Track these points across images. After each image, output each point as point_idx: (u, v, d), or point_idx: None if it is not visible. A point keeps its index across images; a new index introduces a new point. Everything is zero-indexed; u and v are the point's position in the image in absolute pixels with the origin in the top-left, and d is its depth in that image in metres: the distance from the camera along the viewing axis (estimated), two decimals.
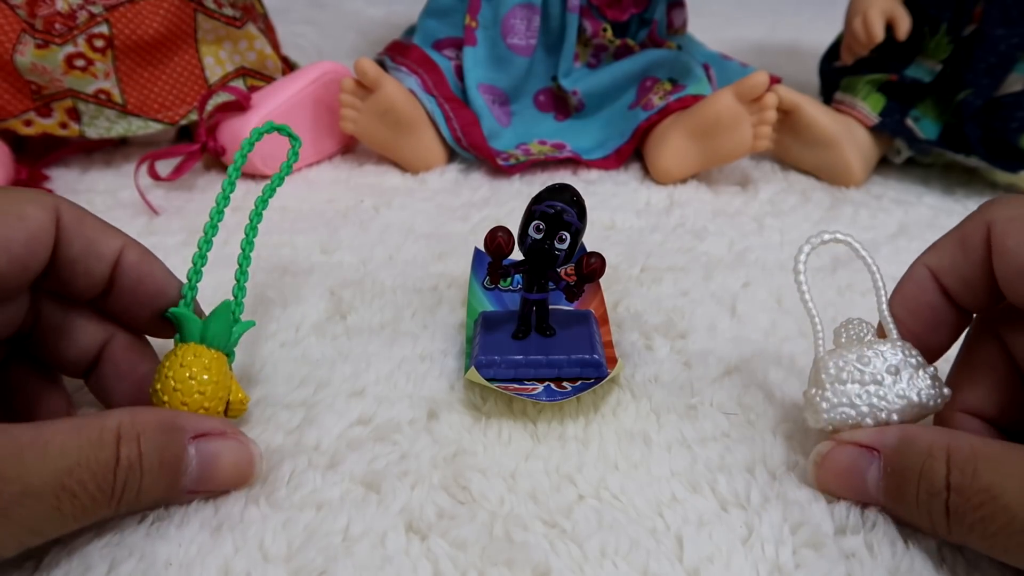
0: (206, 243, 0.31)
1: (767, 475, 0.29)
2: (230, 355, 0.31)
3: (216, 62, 0.58)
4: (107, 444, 0.22)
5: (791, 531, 0.27)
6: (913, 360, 0.28)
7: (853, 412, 0.27)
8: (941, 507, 0.23)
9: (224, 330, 0.30)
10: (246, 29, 0.59)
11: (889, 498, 0.26)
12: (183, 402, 0.28)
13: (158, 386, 0.28)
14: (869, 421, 0.27)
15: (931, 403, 0.27)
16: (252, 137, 0.34)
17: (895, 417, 0.27)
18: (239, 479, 0.27)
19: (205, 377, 0.28)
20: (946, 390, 0.28)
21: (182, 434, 0.25)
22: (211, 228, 0.32)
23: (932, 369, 0.28)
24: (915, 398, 0.27)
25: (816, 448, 0.28)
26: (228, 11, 0.57)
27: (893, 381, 0.27)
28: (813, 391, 0.28)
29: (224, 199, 0.32)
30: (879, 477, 0.26)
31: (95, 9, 0.52)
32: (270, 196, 0.34)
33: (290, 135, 0.36)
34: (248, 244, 0.33)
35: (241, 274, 0.32)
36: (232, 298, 0.31)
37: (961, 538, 0.24)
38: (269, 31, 0.64)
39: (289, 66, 0.64)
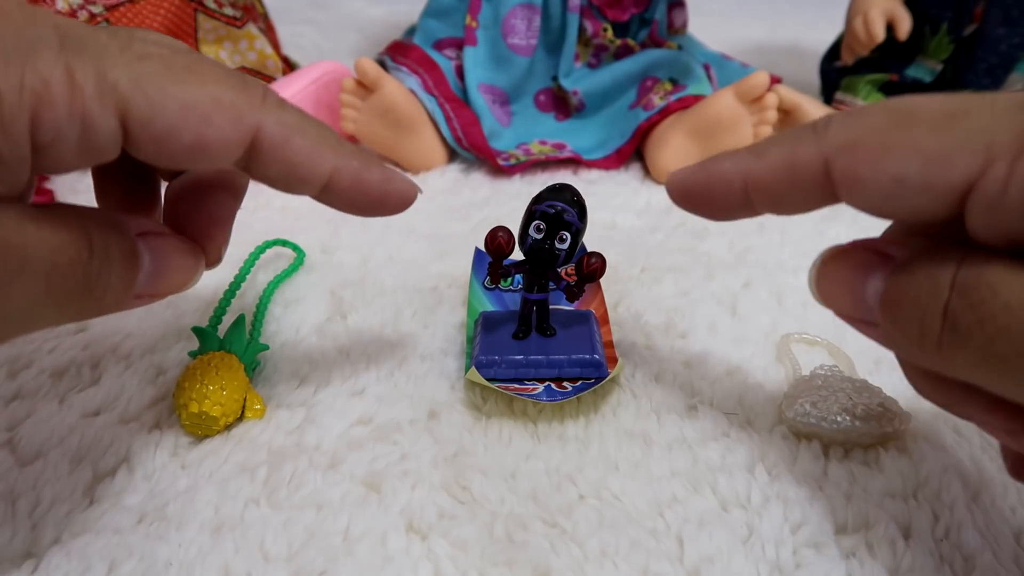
0: (231, 294, 0.37)
1: (767, 475, 0.29)
2: (252, 364, 0.34)
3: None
4: (79, 232, 0.21)
5: (791, 531, 0.27)
6: (864, 400, 0.31)
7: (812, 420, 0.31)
8: (939, 311, 0.20)
9: (240, 340, 0.33)
10: (246, 29, 0.59)
11: (886, 306, 0.22)
12: (201, 409, 0.30)
13: (176, 390, 0.31)
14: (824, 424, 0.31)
15: (880, 429, 0.31)
16: (260, 247, 0.41)
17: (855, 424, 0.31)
18: (186, 278, 0.26)
19: (223, 382, 0.31)
20: (902, 419, 0.31)
21: (128, 229, 0.23)
22: (235, 286, 0.38)
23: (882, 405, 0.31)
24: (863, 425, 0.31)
25: (821, 251, 0.25)
26: (228, 11, 0.58)
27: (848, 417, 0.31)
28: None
29: (243, 275, 0.39)
30: (882, 283, 0.22)
31: (95, 9, 0.52)
32: (275, 288, 0.41)
33: (295, 248, 0.44)
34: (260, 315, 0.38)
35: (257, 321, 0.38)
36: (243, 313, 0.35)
37: (950, 355, 0.20)
38: (269, 31, 0.64)
39: (289, 66, 0.64)
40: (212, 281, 0.41)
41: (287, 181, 0.23)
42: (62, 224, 0.20)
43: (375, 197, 0.25)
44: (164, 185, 0.28)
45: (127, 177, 0.28)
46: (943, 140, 0.19)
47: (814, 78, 0.69)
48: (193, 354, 0.33)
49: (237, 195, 0.28)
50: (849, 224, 0.51)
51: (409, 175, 0.58)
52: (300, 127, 0.23)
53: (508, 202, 0.53)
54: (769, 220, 0.51)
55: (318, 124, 0.24)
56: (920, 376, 0.24)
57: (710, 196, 0.25)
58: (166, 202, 0.27)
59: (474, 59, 0.61)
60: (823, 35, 0.71)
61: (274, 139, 0.22)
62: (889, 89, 0.59)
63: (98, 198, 0.28)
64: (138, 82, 0.20)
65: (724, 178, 0.24)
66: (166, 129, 0.20)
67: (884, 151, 0.20)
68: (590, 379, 0.33)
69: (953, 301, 0.20)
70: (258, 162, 0.22)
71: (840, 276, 0.23)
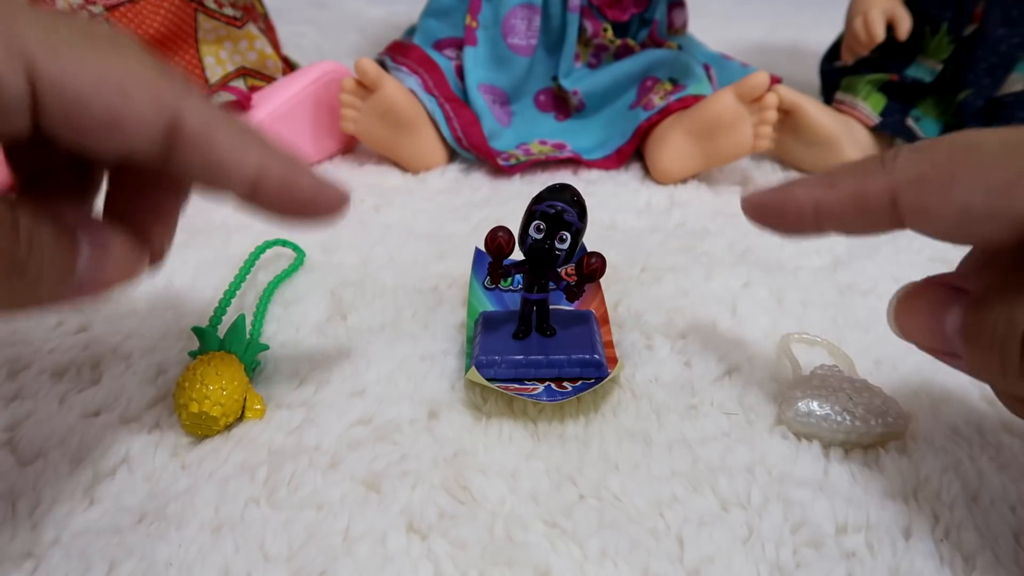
0: (231, 294, 0.36)
1: (767, 475, 0.29)
2: (252, 364, 0.34)
3: (217, 62, 0.58)
4: (3, 216, 0.20)
5: (791, 531, 0.27)
6: (863, 401, 0.31)
7: (813, 420, 0.31)
8: (1017, 340, 0.21)
9: (239, 340, 0.33)
10: (247, 29, 0.59)
11: (967, 336, 0.23)
12: (201, 409, 0.30)
13: (177, 390, 0.31)
14: (824, 425, 0.31)
15: (880, 428, 0.31)
16: (260, 247, 0.41)
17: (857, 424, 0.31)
18: (131, 269, 0.24)
19: (223, 383, 0.30)
20: (902, 419, 0.31)
21: (63, 217, 0.22)
22: (235, 286, 0.37)
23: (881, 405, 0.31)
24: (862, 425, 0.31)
25: (898, 289, 0.26)
26: (229, 11, 0.58)
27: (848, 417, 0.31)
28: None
29: (243, 276, 0.38)
30: (960, 317, 0.23)
31: (96, 9, 0.52)
32: (274, 289, 0.41)
33: (295, 248, 0.44)
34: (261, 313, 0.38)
35: (257, 320, 0.37)
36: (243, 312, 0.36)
37: None
38: (270, 31, 0.64)
39: (290, 66, 0.64)
40: (212, 281, 0.41)
41: (210, 176, 0.22)
42: None
43: (305, 201, 0.24)
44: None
45: (53, 171, 0.26)
46: (1006, 171, 0.20)
47: (814, 78, 0.69)
48: (193, 354, 0.33)
49: (181, 189, 0.27)
50: None
51: (409, 175, 0.58)
52: (225, 121, 0.22)
53: (508, 202, 0.53)
54: None
55: (245, 123, 0.23)
56: (1013, 400, 0.25)
57: (783, 217, 0.26)
58: (108, 192, 0.26)
59: (474, 59, 0.61)
60: (823, 35, 0.71)
61: (196, 128, 0.21)
62: (889, 89, 0.59)
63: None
64: (53, 45, 0.19)
65: (797, 203, 0.25)
66: (77, 97, 0.19)
67: (949, 183, 0.21)
68: (590, 379, 0.33)
69: None
70: (179, 152, 0.21)
71: (918, 311, 0.25)
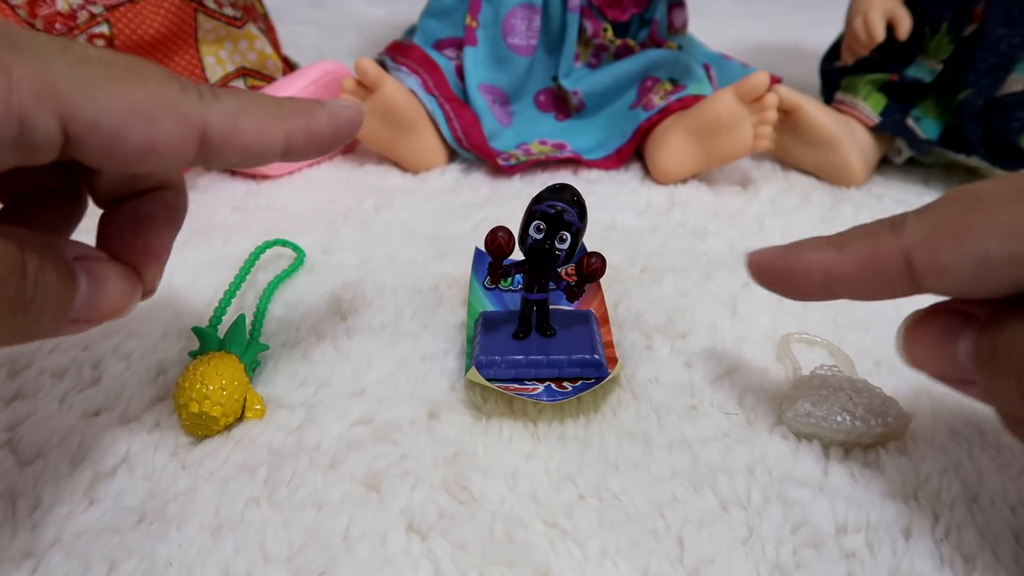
0: (231, 294, 0.36)
1: (767, 475, 0.29)
2: (252, 364, 0.34)
3: (216, 62, 0.58)
4: (12, 251, 0.21)
5: (791, 531, 0.27)
6: (863, 402, 0.31)
7: (813, 420, 0.31)
8: None
9: (239, 340, 0.33)
10: (247, 29, 0.59)
11: (980, 362, 0.23)
12: (201, 409, 0.30)
13: (177, 391, 0.31)
14: (824, 424, 0.31)
15: (880, 428, 0.30)
16: (260, 247, 0.41)
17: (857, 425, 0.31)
18: (123, 304, 0.25)
19: (223, 382, 0.30)
20: (902, 419, 0.31)
21: (64, 252, 0.23)
22: (235, 286, 0.37)
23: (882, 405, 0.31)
24: (862, 424, 0.30)
25: (905, 318, 0.26)
26: (228, 11, 0.58)
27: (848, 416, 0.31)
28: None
29: (243, 276, 0.39)
30: (971, 343, 0.23)
31: (95, 9, 0.52)
32: (274, 289, 0.41)
33: (295, 248, 0.44)
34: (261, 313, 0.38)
35: (257, 321, 0.37)
36: (243, 313, 0.35)
37: None
38: (270, 31, 0.64)
39: (289, 66, 0.64)
40: (212, 281, 0.41)
41: (246, 161, 0.24)
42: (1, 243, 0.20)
43: (329, 139, 0.25)
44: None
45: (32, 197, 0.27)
46: (1016, 216, 0.20)
47: (814, 78, 0.69)
48: (193, 354, 0.33)
49: (174, 223, 0.28)
50: (848, 225, 0.51)
51: (409, 175, 0.58)
52: (242, 108, 0.23)
53: (508, 202, 0.53)
54: (769, 220, 0.51)
55: (255, 97, 0.24)
56: (1021, 425, 0.24)
57: (790, 282, 0.26)
58: (101, 230, 0.27)
59: (474, 59, 0.61)
60: (823, 35, 0.71)
61: (223, 130, 0.22)
62: (889, 89, 0.59)
63: None
64: (81, 84, 0.19)
65: (805, 268, 0.25)
66: (114, 130, 0.20)
67: (961, 235, 0.21)
68: (590, 379, 0.33)
69: None
70: (213, 155, 0.22)
71: (928, 340, 0.24)
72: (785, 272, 0.26)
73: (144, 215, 0.27)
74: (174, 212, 0.28)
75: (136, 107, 0.20)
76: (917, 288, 0.23)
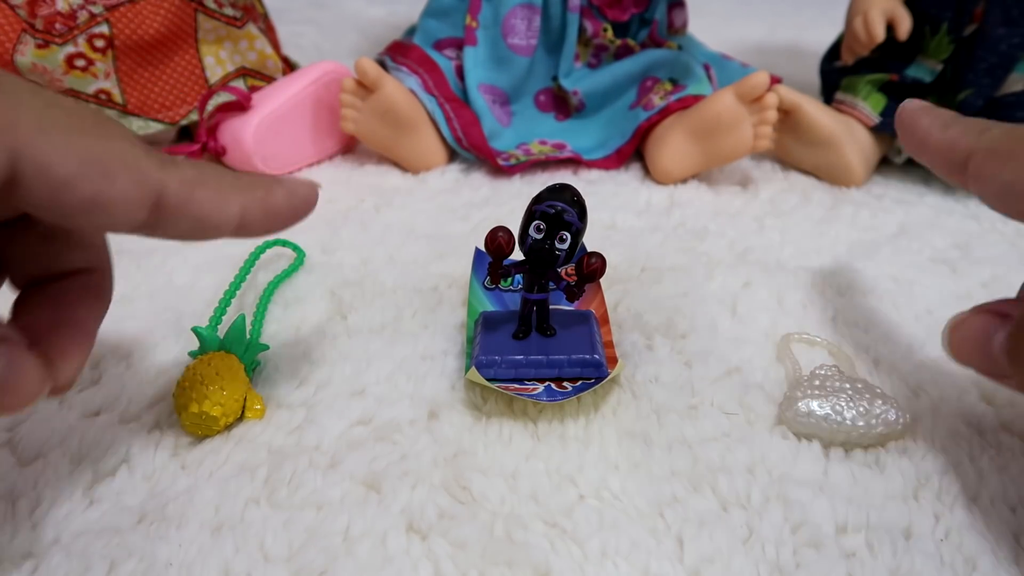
0: (231, 294, 0.36)
1: (767, 475, 0.29)
2: (252, 364, 0.34)
3: (216, 62, 0.58)
4: None
5: (791, 531, 0.27)
6: (866, 398, 0.32)
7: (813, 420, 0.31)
8: None
9: (239, 340, 0.33)
10: (247, 29, 0.59)
11: (1011, 355, 0.25)
12: (201, 409, 0.30)
13: (177, 391, 0.31)
14: (824, 424, 0.31)
15: (880, 428, 0.31)
16: (260, 247, 0.41)
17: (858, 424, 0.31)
18: (27, 400, 0.22)
19: (223, 383, 0.31)
20: (902, 419, 0.31)
21: None
22: (235, 286, 0.37)
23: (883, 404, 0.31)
24: (863, 424, 0.31)
25: (950, 318, 0.28)
26: (228, 11, 0.58)
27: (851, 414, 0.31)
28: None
29: (243, 276, 0.39)
30: (1005, 339, 0.25)
31: (95, 9, 0.52)
32: (274, 289, 0.41)
33: (295, 248, 0.44)
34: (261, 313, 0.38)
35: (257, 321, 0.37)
36: (243, 313, 0.36)
37: None
38: (270, 31, 0.64)
39: (289, 66, 0.64)
40: (212, 281, 0.41)
41: (197, 232, 0.23)
42: None
43: (286, 215, 0.25)
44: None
45: None
46: None
47: (814, 78, 0.69)
48: (193, 354, 0.33)
49: (98, 311, 0.26)
50: (848, 225, 0.51)
51: (409, 175, 0.58)
52: (201, 178, 0.22)
53: (508, 202, 0.53)
54: (769, 220, 0.51)
55: (216, 169, 0.23)
56: None
57: (906, 133, 0.29)
58: (19, 309, 0.25)
59: (474, 59, 0.61)
60: (823, 35, 0.71)
61: (178, 197, 0.21)
62: (889, 89, 0.59)
63: None
64: (42, 125, 0.19)
65: (919, 127, 0.28)
66: (64, 178, 0.19)
67: (1007, 159, 0.24)
68: (590, 379, 0.33)
69: None
70: (165, 222, 0.22)
71: (969, 336, 0.27)
72: (909, 125, 0.29)
73: (66, 300, 0.25)
74: (98, 299, 0.26)
75: (93, 159, 0.19)
76: (964, 184, 0.26)
